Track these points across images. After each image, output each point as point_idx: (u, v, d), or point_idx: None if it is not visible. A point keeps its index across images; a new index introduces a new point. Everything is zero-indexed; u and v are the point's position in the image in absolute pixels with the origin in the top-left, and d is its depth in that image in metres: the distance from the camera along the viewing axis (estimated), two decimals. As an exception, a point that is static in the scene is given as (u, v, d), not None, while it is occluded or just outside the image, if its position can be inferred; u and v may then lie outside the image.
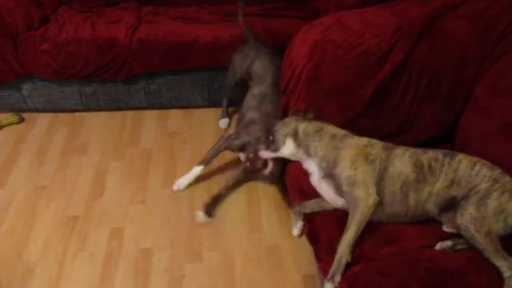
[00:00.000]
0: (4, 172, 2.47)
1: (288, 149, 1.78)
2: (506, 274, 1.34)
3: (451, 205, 1.51)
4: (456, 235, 1.52)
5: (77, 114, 2.88)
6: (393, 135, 1.84)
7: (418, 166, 1.54)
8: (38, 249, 2.08)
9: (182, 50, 2.57)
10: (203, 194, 2.34)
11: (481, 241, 1.40)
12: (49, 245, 2.09)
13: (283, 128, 1.80)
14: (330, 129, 1.73)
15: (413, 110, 1.87)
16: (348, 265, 1.48)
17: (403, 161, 1.56)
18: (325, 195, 1.67)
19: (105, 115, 2.87)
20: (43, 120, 2.83)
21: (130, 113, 2.89)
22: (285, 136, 1.77)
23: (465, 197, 1.48)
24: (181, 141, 2.69)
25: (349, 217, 1.51)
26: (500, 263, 1.36)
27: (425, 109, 1.87)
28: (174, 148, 2.64)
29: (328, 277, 1.45)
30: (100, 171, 2.48)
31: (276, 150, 1.81)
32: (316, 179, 1.70)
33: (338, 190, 1.60)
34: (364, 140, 1.66)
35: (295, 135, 1.75)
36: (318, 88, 1.85)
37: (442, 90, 1.84)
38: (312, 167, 1.72)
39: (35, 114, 2.87)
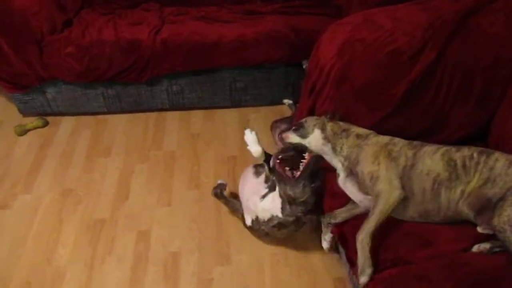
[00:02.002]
0: (30, 176, 2.49)
1: (315, 139, 1.75)
2: None
3: (486, 207, 1.46)
4: (493, 237, 1.48)
5: (100, 116, 2.88)
6: (424, 135, 1.80)
7: (451, 165, 1.51)
8: (67, 254, 2.09)
9: (207, 50, 2.55)
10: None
11: None
12: (77, 249, 2.10)
13: (312, 119, 1.79)
14: (356, 129, 1.74)
15: (446, 110, 1.82)
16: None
17: (434, 159, 1.53)
18: (351, 196, 1.67)
19: (128, 117, 2.88)
20: (67, 123, 2.85)
21: (153, 114, 2.89)
22: (314, 125, 1.76)
23: (502, 198, 1.43)
24: (204, 142, 2.67)
25: (371, 208, 1.49)
26: None
27: (458, 109, 1.82)
28: (198, 149, 2.63)
29: (359, 271, 1.43)
30: (125, 173, 2.49)
31: (303, 136, 1.77)
32: (342, 179, 1.69)
33: (362, 186, 1.59)
34: (386, 139, 1.66)
35: (323, 128, 1.74)
36: (347, 88, 1.81)
37: (476, 89, 1.79)
38: (338, 166, 1.71)
39: (59, 117, 2.88)
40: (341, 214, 1.71)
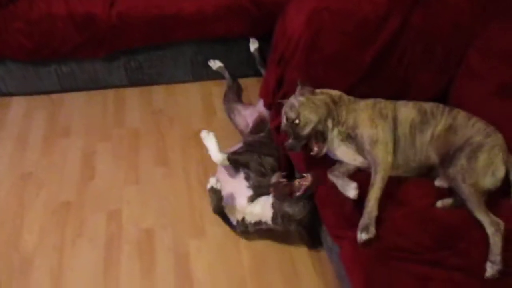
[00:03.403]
0: (-16, 162, 2.34)
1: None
2: (489, 230, 1.43)
3: (447, 156, 1.61)
4: (452, 192, 1.60)
5: (54, 96, 2.73)
6: (392, 99, 1.87)
7: (421, 111, 1.68)
8: (34, 239, 2.00)
9: (166, 23, 2.47)
10: (198, 169, 2.32)
11: (465, 191, 1.50)
12: (45, 234, 2.02)
13: (313, 113, 1.66)
14: (340, 92, 1.77)
15: (410, 75, 1.92)
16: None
17: (408, 107, 1.71)
18: (343, 157, 1.71)
19: (84, 95, 2.74)
20: (18, 104, 2.67)
21: (111, 91, 2.77)
22: (326, 119, 1.67)
23: (460, 148, 1.59)
24: (168, 118, 2.62)
25: (372, 174, 1.57)
26: (482, 217, 1.45)
27: (420, 74, 1.92)
28: (161, 125, 2.58)
29: (361, 227, 1.46)
30: (88, 153, 2.39)
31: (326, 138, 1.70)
32: (334, 145, 1.70)
33: (359, 149, 1.66)
34: (370, 100, 1.75)
35: (330, 114, 1.69)
36: (317, 56, 1.85)
37: (437, 55, 1.89)
38: (332, 135, 1.70)
39: (8, 98, 2.70)
40: (340, 169, 1.69)
